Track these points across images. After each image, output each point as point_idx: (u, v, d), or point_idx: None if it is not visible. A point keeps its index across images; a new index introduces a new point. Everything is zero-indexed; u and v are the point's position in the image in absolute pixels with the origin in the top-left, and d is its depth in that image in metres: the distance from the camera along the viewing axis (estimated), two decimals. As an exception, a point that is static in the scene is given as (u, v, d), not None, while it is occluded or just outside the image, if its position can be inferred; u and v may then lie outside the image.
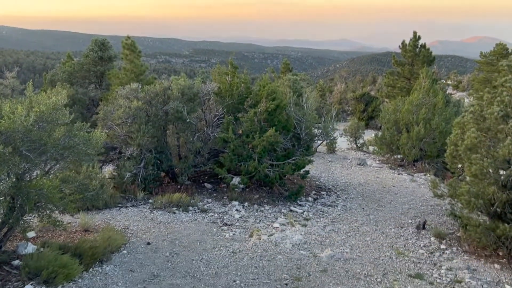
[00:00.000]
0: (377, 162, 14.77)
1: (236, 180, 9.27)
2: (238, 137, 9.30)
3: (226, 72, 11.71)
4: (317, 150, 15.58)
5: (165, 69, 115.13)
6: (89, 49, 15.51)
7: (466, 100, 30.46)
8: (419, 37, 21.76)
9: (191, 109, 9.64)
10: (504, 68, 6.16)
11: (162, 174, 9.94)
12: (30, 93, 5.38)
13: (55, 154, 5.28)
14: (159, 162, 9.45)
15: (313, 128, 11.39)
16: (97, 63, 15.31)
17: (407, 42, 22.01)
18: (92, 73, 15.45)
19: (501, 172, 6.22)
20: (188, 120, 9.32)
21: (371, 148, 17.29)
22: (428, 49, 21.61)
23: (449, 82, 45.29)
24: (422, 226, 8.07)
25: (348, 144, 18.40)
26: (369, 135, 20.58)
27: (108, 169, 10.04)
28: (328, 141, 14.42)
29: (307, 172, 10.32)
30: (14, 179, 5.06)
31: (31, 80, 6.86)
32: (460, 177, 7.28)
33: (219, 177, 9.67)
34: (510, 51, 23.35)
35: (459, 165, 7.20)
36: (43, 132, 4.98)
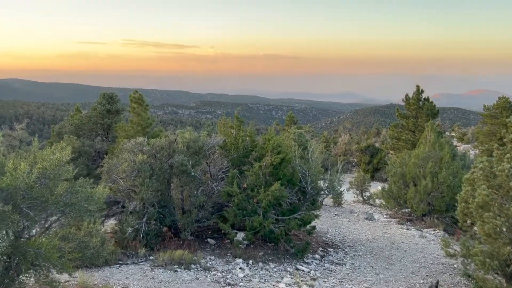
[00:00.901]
0: (385, 216, 14.45)
1: (240, 236, 9.02)
2: (242, 191, 9.16)
3: (231, 125, 11.79)
4: (323, 203, 15.33)
5: (172, 120, 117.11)
6: (97, 102, 15.80)
7: (472, 152, 30.36)
8: (422, 91, 22.09)
9: (196, 163, 9.58)
10: (511, 124, 6.12)
11: (165, 228, 9.71)
12: (35, 149, 5.37)
13: (56, 211, 5.16)
14: (162, 216, 9.26)
15: (318, 182, 11.25)
16: (105, 116, 15.53)
17: (410, 95, 22.33)
18: (99, 125, 15.64)
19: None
20: (192, 173, 9.24)
21: (378, 201, 17.00)
22: (432, 102, 21.86)
23: (453, 134, 45.43)
24: (435, 287, 7.69)
25: (355, 196, 18.13)
26: (375, 187, 20.33)
27: (110, 223, 9.84)
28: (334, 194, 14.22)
29: (314, 227, 10.06)
30: (12, 237, 4.92)
31: (36, 135, 6.90)
32: (472, 236, 7.03)
33: (223, 232, 9.44)
34: (513, 104, 23.55)
35: (470, 222, 6.98)
36: (45, 189, 4.90)
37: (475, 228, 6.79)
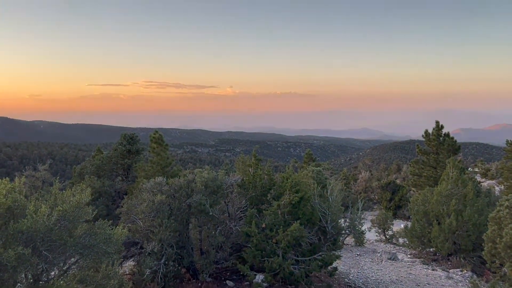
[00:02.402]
0: (409, 256, 13.97)
1: (259, 278, 8.81)
2: (261, 231, 9.03)
3: (249, 164, 11.80)
4: (345, 243, 14.96)
5: (191, 158, 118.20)
6: (118, 142, 16.10)
7: (497, 188, 29.49)
8: (442, 126, 21.83)
9: (214, 202, 9.55)
10: (536, 161, 5.94)
11: (183, 270, 9.58)
12: (56, 190, 5.45)
13: (74, 253, 5.17)
14: (180, 257, 9.16)
15: (339, 221, 11.04)
16: (125, 156, 15.78)
17: (429, 131, 22.07)
18: (120, 165, 15.86)
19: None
20: (210, 213, 9.19)
21: (401, 240, 16.51)
22: (453, 137, 21.54)
23: (476, 170, 44.38)
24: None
25: (377, 235, 17.66)
26: (398, 225, 19.81)
27: (129, 265, 9.78)
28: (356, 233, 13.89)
29: (335, 268, 9.76)
30: (31, 280, 4.92)
31: (58, 175, 7.02)
32: (502, 277, 6.70)
33: (241, 273, 9.24)
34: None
35: (499, 263, 6.67)
36: (64, 231, 4.93)
37: (505, 269, 6.49)
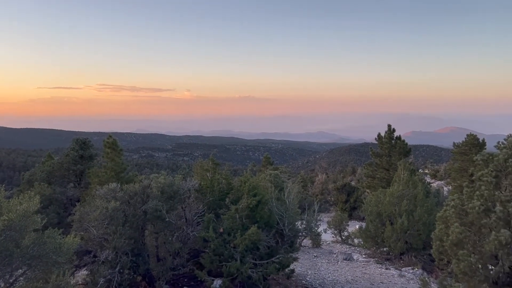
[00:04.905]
0: (364, 256, 14.37)
1: (217, 283, 8.76)
2: (219, 235, 8.99)
3: (207, 168, 11.73)
4: (302, 245, 15.17)
5: (148, 163, 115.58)
6: (70, 148, 15.53)
7: (445, 188, 30.99)
8: (394, 130, 22.70)
9: (171, 207, 9.42)
10: (479, 163, 6.31)
11: (139, 278, 9.35)
12: (1, 199, 5.17)
13: (22, 264, 4.92)
14: (135, 265, 8.94)
15: (296, 223, 11.18)
16: (77, 162, 15.23)
17: (382, 134, 22.89)
18: (72, 171, 15.28)
19: (490, 267, 6.04)
20: (167, 219, 9.04)
21: (356, 241, 16.96)
22: (404, 140, 22.43)
23: (426, 171, 46.44)
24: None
25: (333, 236, 18.04)
26: (353, 226, 20.34)
27: (82, 274, 9.42)
28: (312, 235, 14.15)
29: (292, 270, 9.88)
30: (-27, 295, 4.63)
31: (4, 183, 6.67)
32: (449, 274, 7.03)
33: (199, 279, 9.14)
34: (480, 141, 24.43)
35: (446, 260, 7.00)
36: (10, 242, 4.69)
37: (452, 265, 6.81)
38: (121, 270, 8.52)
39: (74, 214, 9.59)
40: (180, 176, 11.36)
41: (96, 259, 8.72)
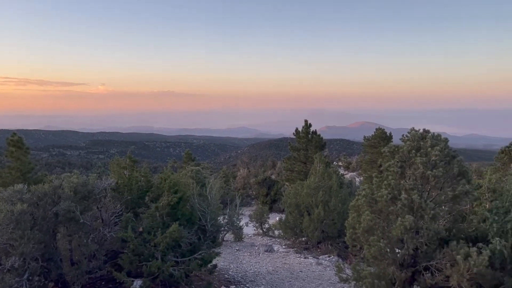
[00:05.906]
0: (284, 246, 14.85)
1: (137, 283, 8.48)
2: (138, 235, 8.70)
3: (124, 166, 11.28)
4: (225, 240, 15.26)
5: (59, 162, 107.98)
6: (-34, 146, 13.99)
7: (357, 179, 33.07)
8: (310, 125, 23.70)
9: (85, 208, 8.92)
10: (386, 154, 6.81)
11: (51, 284, 8.73)
12: None
13: None
14: (46, 271, 8.34)
15: (218, 218, 11.21)
16: (-25, 162, 13.77)
17: (300, 129, 23.78)
18: (-31, 173, 13.77)
19: (397, 251, 6.57)
20: (81, 220, 8.55)
21: (276, 232, 17.45)
22: (319, 135, 23.52)
23: (340, 163, 49.15)
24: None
25: (255, 229, 18.38)
26: (273, 218, 20.90)
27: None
28: (234, 229, 14.29)
29: (215, 266, 9.88)
30: None
31: None
32: (362, 259, 7.52)
33: (118, 281, 8.79)
34: (388, 134, 26.42)
35: (359, 246, 7.48)
36: None
37: (364, 251, 7.29)
38: (30, 277, 7.90)
39: (-28, 220, 8.68)
40: (95, 175, 10.80)
41: (1, 267, 8.00)
